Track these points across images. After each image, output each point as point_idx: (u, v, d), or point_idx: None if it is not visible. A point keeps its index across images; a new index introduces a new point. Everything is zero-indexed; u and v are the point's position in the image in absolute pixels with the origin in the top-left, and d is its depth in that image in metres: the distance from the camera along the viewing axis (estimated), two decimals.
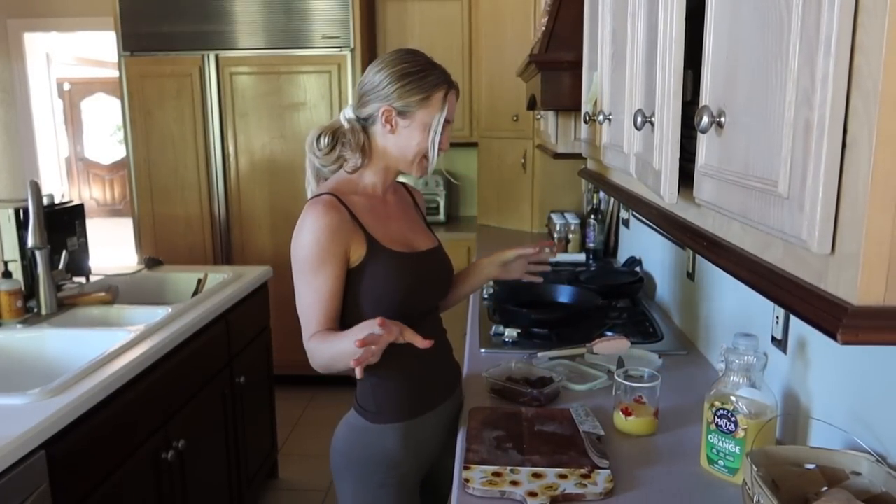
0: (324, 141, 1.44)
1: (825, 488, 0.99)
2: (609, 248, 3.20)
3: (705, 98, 0.84)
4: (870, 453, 1.02)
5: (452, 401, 1.56)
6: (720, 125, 0.79)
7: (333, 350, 1.30)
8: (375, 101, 1.40)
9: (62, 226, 2.37)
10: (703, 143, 0.85)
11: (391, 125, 1.40)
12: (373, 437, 1.44)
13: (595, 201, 3.17)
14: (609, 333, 1.92)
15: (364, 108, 1.42)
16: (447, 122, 1.43)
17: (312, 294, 1.36)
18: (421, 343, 1.21)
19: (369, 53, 3.88)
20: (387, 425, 1.44)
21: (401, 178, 1.58)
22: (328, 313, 1.36)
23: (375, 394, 1.45)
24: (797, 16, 0.61)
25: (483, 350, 1.91)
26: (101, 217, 9.63)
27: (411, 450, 1.46)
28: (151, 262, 2.85)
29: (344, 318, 1.39)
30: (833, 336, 0.58)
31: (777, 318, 1.40)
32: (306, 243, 1.34)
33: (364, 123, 1.44)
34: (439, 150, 1.44)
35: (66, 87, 9.40)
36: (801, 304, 0.65)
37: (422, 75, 1.39)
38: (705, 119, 0.79)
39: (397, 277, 1.39)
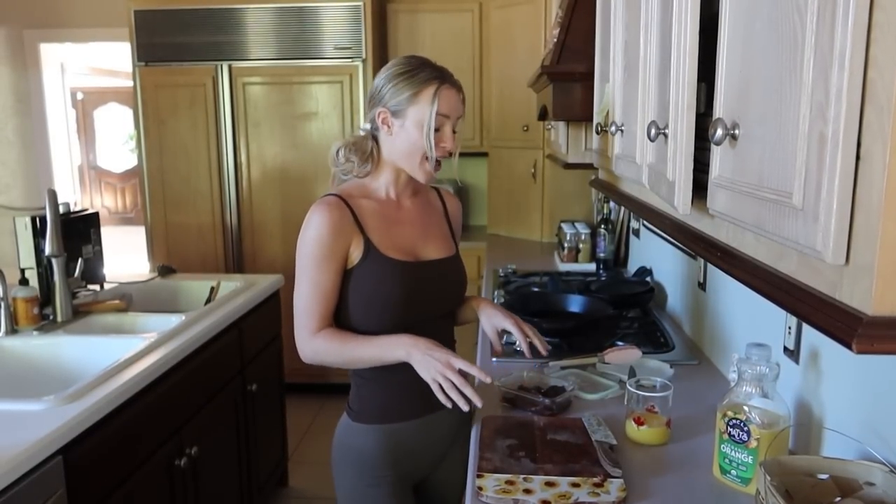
0: (342, 153, 1.49)
1: (839, 499, 0.99)
2: (619, 257, 3.21)
3: (719, 110, 0.85)
4: (883, 463, 1.02)
5: (451, 412, 1.46)
6: (734, 137, 0.80)
7: (358, 354, 1.39)
8: (375, 106, 1.44)
9: (77, 234, 2.40)
10: (717, 154, 0.86)
11: (388, 126, 1.42)
12: (353, 435, 1.48)
13: (605, 211, 3.18)
14: (620, 343, 1.93)
15: (369, 116, 1.46)
16: (444, 117, 1.38)
17: (313, 288, 1.39)
18: (481, 377, 1.34)
19: (381, 64, 3.90)
20: (365, 425, 1.47)
21: (433, 184, 1.58)
22: (329, 309, 1.41)
23: (360, 393, 1.49)
24: (811, 31, 0.62)
25: (494, 359, 1.91)
26: (112, 225, 9.69)
27: (390, 453, 1.46)
28: (165, 270, 2.87)
29: (334, 317, 1.44)
30: (848, 345, 0.59)
31: (789, 328, 1.40)
32: (310, 239, 1.39)
33: (374, 131, 1.47)
34: (446, 151, 1.41)
35: (80, 96, 9.49)
36: (816, 315, 0.66)
37: (411, 73, 1.39)
38: (719, 131, 0.80)
39: (389, 283, 1.40)
